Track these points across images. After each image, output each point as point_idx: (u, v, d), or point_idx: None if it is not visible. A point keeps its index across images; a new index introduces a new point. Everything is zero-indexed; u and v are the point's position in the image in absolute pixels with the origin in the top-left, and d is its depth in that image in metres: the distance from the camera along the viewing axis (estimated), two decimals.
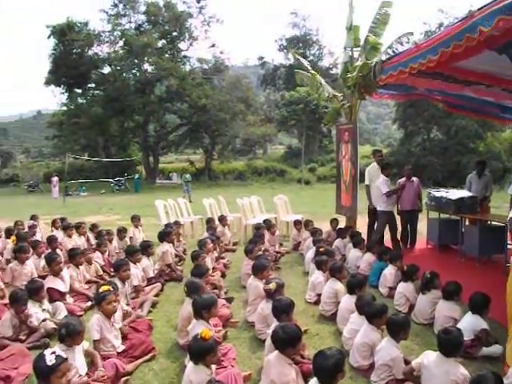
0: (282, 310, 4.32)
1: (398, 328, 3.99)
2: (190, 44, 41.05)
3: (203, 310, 4.36)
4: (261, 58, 56.12)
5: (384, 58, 7.57)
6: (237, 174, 40.25)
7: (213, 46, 41.20)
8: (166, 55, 38.61)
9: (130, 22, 39.85)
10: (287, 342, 3.61)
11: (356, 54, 9.46)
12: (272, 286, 4.86)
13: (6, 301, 6.05)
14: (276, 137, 59.31)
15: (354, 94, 9.03)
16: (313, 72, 10.15)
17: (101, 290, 4.63)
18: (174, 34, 39.83)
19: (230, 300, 6.25)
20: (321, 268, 6.42)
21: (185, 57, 41.47)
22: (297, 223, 10.01)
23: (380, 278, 6.68)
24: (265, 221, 9.72)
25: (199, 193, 23.35)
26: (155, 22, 39.02)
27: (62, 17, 36.48)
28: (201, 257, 6.67)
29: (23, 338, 5.02)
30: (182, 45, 41.15)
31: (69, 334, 3.84)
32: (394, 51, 7.93)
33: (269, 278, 5.40)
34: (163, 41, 39.78)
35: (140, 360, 4.55)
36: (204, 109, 36.72)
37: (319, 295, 6.05)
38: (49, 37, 38.26)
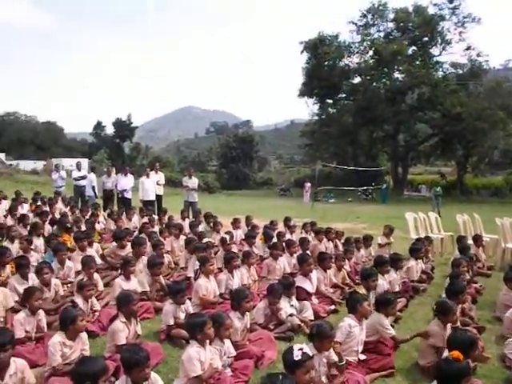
0: None
1: None
2: (443, 48, 38.80)
3: None
4: None
5: None
6: (493, 189, 36.48)
7: (468, 48, 37.84)
8: (417, 62, 37.25)
9: (379, 31, 39.84)
10: None
11: None
12: None
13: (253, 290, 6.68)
14: None
15: None
16: None
17: (361, 292, 4.70)
18: (425, 39, 38.10)
19: (480, 330, 5.58)
20: None
21: (437, 62, 39.16)
22: None
23: None
24: None
25: (449, 208, 21.87)
26: (404, 29, 38.11)
27: (314, 32, 39.26)
28: (460, 278, 6.17)
29: (271, 327, 5.44)
30: (434, 50, 39.19)
31: (318, 334, 3.90)
32: None
33: None
34: (413, 47, 38.50)
35: (377, 374, 4.45)
36: (458, 118, 34.17)
37: None
38: (302, 52, 40.95)
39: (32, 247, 7.70)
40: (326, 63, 39.50)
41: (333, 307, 6.48)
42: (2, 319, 5.11)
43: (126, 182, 14.53)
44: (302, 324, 5.54)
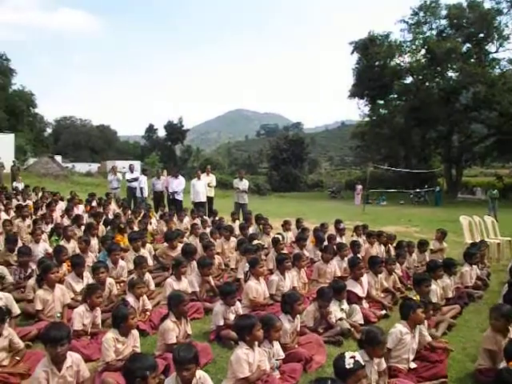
0: None
1: None
2: (500, 45, 36.96)
3: None
4: None
5: None
6: None
7: None
8: (472, 60, 35.95)
9: (432, 29, 38.62)
10: None
11: None
12: None
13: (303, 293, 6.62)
14: None
15: None
16: None
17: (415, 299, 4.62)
18: (481, 35, 36.53)
19: None
20: None
21: (494, 59, 37.46)
22: None
23: None
24: None
25: (507, 212, 21.00)
26: (458, 26, 36.76)
27: (364, 32, 38.52)
28: None
29: (321, 331, 5.37)
30: (491, 46, 37.54)
31: (368, 340, 3.83)
32: None
33: None
34: (468, 44, 37.08)
35: (428, 383, 4.32)
36: None
37: None
38: (352, 52, 40.59)
39: None
40: (377, 63, 38.86)
41: (383, 312, 6.35)
42: (59, 314, 5.33)
43: (177, 183, 14.77)
44: (352, 328, 5.46)
